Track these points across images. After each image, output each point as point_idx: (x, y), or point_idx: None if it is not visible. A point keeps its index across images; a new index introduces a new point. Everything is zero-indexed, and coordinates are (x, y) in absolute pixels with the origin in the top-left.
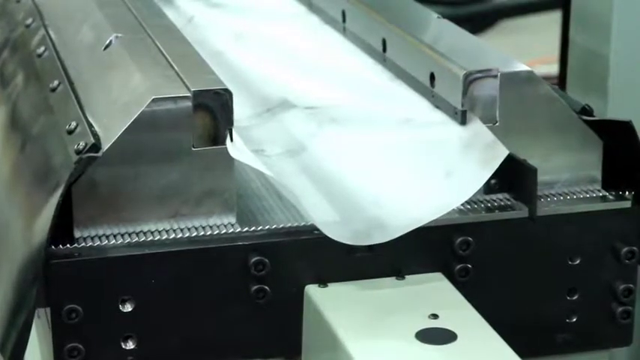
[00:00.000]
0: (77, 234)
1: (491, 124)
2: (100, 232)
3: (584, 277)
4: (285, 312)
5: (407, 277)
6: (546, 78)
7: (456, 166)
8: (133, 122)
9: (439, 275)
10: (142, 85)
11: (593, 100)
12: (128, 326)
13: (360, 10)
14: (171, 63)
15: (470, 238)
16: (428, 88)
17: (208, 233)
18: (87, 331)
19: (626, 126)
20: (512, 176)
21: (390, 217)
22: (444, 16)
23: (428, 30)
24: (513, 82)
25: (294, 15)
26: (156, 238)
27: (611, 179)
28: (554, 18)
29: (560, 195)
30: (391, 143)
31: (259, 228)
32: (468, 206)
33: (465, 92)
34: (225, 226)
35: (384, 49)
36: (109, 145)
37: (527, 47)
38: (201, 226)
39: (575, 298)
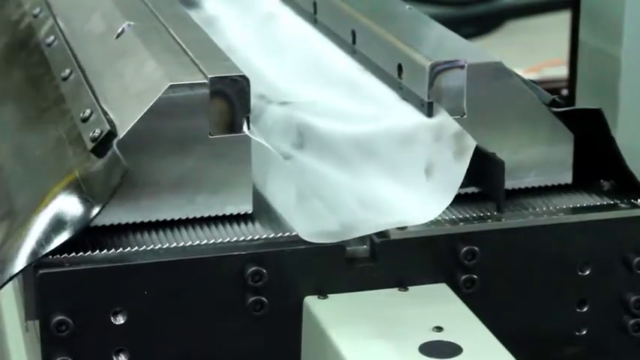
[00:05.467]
0: (92, 223)
1: (458, 117)
2: (116, 221)
3: (595, 288)
4: (283, 324)
5: (410, 288)
6: (555, 81)
7: (433, 162)
8: (149, 109)
9: (443, 286)
10: (157, 72)
11: (604, 104)
12: (120, 339)
13: (330, 1)
14: (186, 50)
15: (476, 248)
16: (396, 79)
17: (204, 242)
18: (77, 345)
19: (596, 114)
20: (479, 170)
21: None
22: (450, 17)
23: (398, 21)
24: (481, 73)
25: (267, 6)
26: (149, 248)
27: (584, 171)
28: (563, 19)
29: (570, 202)
30: (365, 142)
31: (256, 237)
32: (474, 214)
33: (431, 84)
34: (241, 216)
35: (354, 41)
36: (125, 132)
37: (535, 49)
38: (217, 215)
39: (585, 309)
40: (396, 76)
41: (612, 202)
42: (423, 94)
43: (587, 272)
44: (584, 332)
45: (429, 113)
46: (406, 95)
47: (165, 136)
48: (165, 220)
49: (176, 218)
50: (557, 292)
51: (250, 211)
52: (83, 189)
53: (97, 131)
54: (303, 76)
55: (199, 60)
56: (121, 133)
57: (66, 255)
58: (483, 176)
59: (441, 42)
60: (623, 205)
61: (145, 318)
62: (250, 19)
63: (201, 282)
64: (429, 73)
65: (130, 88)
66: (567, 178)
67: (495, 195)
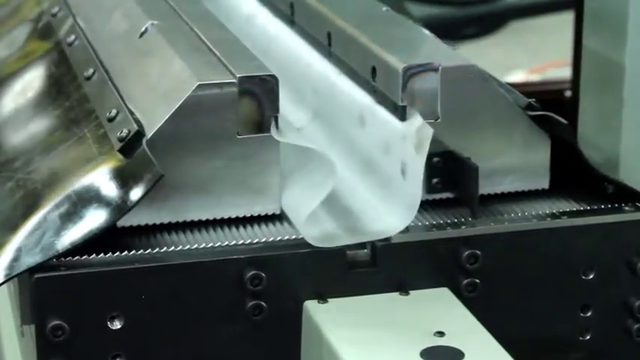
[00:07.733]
0: (120, 223)
1: (432, 120)
2: (143, 222)
3: (599, 293)
4: (283, 329)
5: (411, 292)
6: (559, 82)
7: (406, 163)
8: (178, 109)
9: (445, 290)
10: (184, 71)
11: (608, 105)
12: (117, 344)
13: (307, 3)
14: (212, 49)
15: (478, 252)
16: (370, 83)
17: (202, 246)
18: (73, 350)
19: (566, 129)
20: (454, 175)
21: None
22: (453, 17)
23: (374, 23)
24: (456, 76)
25: (247, 8)
26: (146, 251)
27: (559, 176)
28: (567, 19)
29: (573, 206)
30: (355, 151)
31: (255, 240)
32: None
33: (404, 87)
34: (270, 216)
35: (330, 44)
36: (153, 131)
37: (538, 49)
38: (245, 215)
39: (588, 314)
40: (370, 79)
41: (616, 205)
42: (397, 97)
43: (591, 276)
44: (588, 337)
45: (402, 117)
46: (380, 99)
47: (193, 135)
48: (192, 222)
49: (203, 219)
50: (561, 296)
51: (279, 212)
52: (111, 188)
53: (125, 131)
54: (285, 80)
55: (227, 59)
56: (149, 133)
57: (62, 259)
58: (458, 182)
59: (417, 44)
60: (627, 209)
61: (142, 323)
62: (234, 23)
63: (199, 286)
64: (402, 76)
65: (156, 87)
66: (544, 183)
67: (469, 200)
